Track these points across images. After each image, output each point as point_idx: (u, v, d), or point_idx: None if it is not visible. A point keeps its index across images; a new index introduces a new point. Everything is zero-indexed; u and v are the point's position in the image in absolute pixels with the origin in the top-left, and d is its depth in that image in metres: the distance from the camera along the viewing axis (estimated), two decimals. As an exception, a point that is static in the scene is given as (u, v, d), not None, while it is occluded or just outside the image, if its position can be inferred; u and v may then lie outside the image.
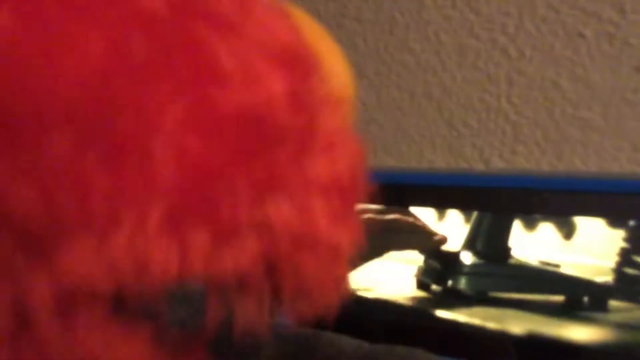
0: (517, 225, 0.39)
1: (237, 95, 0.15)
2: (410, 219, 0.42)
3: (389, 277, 0.41)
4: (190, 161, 0.14)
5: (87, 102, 0.13)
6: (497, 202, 0.40)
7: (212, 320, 0.16)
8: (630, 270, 0.35)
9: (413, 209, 0.42)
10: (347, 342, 0.30)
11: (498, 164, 0.46)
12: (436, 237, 0.40)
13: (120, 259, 0.14)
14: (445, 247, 0.41)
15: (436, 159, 0.48)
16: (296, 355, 0.30)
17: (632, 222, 0.36)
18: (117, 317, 0.15)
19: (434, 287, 0.40)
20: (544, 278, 0.37)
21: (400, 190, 0.43)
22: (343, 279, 0.19)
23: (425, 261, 0.41)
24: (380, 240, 0.40)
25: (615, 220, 0.36)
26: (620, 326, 0.34)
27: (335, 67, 0.20)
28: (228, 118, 0.15)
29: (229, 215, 0.15)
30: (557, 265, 0.37)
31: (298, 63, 0.17)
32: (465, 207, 0.41)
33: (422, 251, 0.41)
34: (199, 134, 0.14)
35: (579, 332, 0.34)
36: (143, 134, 0.14)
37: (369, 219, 0.42)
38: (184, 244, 0.14)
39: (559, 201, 0.38)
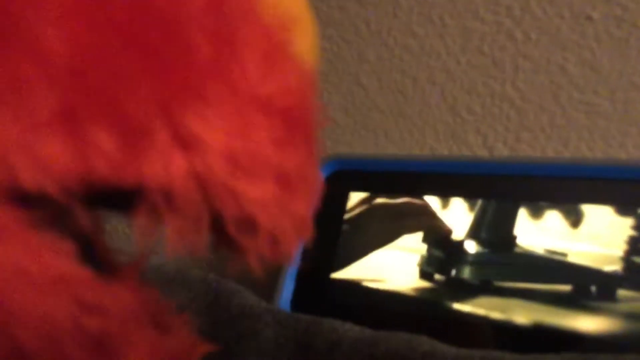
0: (522, 214, 0.38)
1: None
2: (421, 202, 0.41)
3: (392, 267, 0.40)
4: (85, 47, 0.13)
5: None
6: (502, 189, 0.39)
7: (141, 240, 0.15)
8: (639, 259, 0.34)
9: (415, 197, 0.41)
10: (349, 328, 0.30)
11: (502, 151, 0.46)
12: (444, 225, 0.40)
13: (9, 149, 0.13)
14: (449, 237, 0.40)
15: (439, 146, 0.48)
16: (296, 340, 0.30)
17: (640, 210, 0.36)
18: (34, 227, 0.14)
19: (437, 276, 0.39)
20: (550, 267, 0.37)
21: (402, 177, 0.42)
22: (300, 217, 0.18)
23: (429, 250, 0.40)
24: (391, 224, 0.40)
25: (623, 208, 0.36)
26: (628, 316, 0.33)
27: None
28: (123, 9, 0.14)
29: (134, 115, 0.14)
30: (564, 254, 0.37)
31: None
32: (468, 195, 0.40)
33: (427, 238, 0.40)
34: (90, 20, 0.14)
35: (586, 322, 0.34)
36: (31, 16, 0.13)
37: (378, 203, 0.41)
38: (81, 140, 0.14)
39: (565, 188, 0.38)
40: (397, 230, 0.39)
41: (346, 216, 0.43)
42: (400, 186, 0.42)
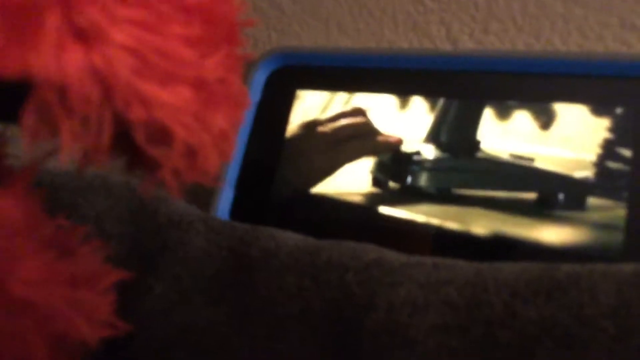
0: (487, 114, 0.34)
1: None
2: (360, 121, 0.37)
3: (342, 174, 0.36)
4: None
5: None
6: (465, 87, 0.36)
7: (29, 143, 0.14)
8: (613, 164, 0.31)
9: (370, 97, 0.37)
10: (289, 237, 0.27)
11: (467, 44, 0.41)
12: (391, 140, 0.36)
13: None
14: (403, 147, 0.36)
15: (397, 38, 0.43)
16: (231, 248, 0.27)
17: (618, 110, 0.32)
18: None
19: (391, 184, 0.35)
20: (515, 173, 0.33)
21: (355, 73, 0.38)
22: (220, 129, 0.16)
23: (382, 155, 0.36)
24: (330, 155, 0.36)
25: (599, 107, 0.32)
26: (598, 226, 0.30)
27: None
28: None
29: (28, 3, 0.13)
30: (531, 159, 0.33)
31: None
32: (429, 93, 0.36)
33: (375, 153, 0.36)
34: None
35: (552, 233, 0.31)
36: None
37: (319, 130, 0.37)
38: None
39: (535, 86, 0.34)
40: (340, 160, 0.36)
41: (291, 118, 0.38)
42: (353, 83, 0.38)
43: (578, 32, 0.39)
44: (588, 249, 0.30)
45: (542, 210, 0.32)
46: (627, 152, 0.31)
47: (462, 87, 0.36)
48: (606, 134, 0.32)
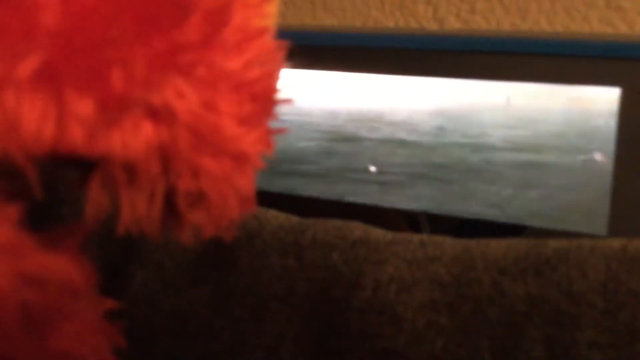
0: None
1: None
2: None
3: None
4: (80, 9, 0.13)
5: None
6: (453, 67, 0.35)
7: (92, 212, 0.15)
8: (597, 143, 0.31)
9: (358, 75, 0.37)
10: (273, 215, 0.26)
11: (454, 24, 0.41)
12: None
13: None
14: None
15: (383, 18, 0.42)
16: None
17: (603, 89, 0.32)
18: None
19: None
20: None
21: (343, 53, 0.38)
22: (246, 193, 0.17)
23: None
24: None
25: (584, 87, 0.32)
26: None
27: None
28: None
29: (120, 85, 0.14)
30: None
31: None
32: (416, 73, 0.36)
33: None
34: None
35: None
36: None
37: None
38: (61, 106, 0.13)
39: (521, 66, 0.34)
40: None
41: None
42: (339, 62, 0.38)
43: (564, 13, 0.39)
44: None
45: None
46: (611, 131, 0.31)
47: (449, 66, 0.36)
48: (590, 114, 0.32)
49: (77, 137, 0.13)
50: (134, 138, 0.14)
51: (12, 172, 0.14)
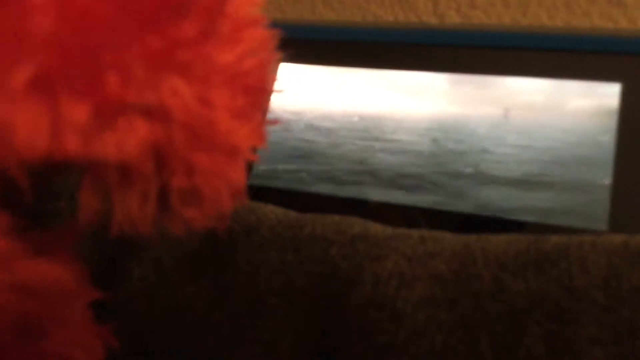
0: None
1: None
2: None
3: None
4: (75, 14, 0.13)
5: None
6: (453, 62, 0.35)
7: (84, 214, 0.15)
8: (599, 137, 0.31)
9: (356, 71, 0.37)
10: (271, 210, 0.26)
11: (454, 19, 0.41)
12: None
13: None
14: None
15: (383, 12, 0.42)
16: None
17: (604, 85, 0.32)
18: None
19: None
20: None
21: (342, 48, 0.38)
22: (238, 187, 0.17)
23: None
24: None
25: (585, 82, 0.32)
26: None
27: None
28: None
29: (116, 89, 0.13)
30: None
31: None
32: (416, 68, 0.36)
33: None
34: None
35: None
36: None
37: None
38: (56, 113, 0.13)
39: (520, 61, 0.34)
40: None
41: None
42: (339, 57, 0.37)
43: (565, 8, 0.38)
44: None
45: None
46: (612, 126, 0.31)
47: (449, 61, 0.36)
48: (593, 109, 0.32)
49: (71, 145, 0.13)
50: (128, 139, 0.14)
51: (4, 180, 0.13)
